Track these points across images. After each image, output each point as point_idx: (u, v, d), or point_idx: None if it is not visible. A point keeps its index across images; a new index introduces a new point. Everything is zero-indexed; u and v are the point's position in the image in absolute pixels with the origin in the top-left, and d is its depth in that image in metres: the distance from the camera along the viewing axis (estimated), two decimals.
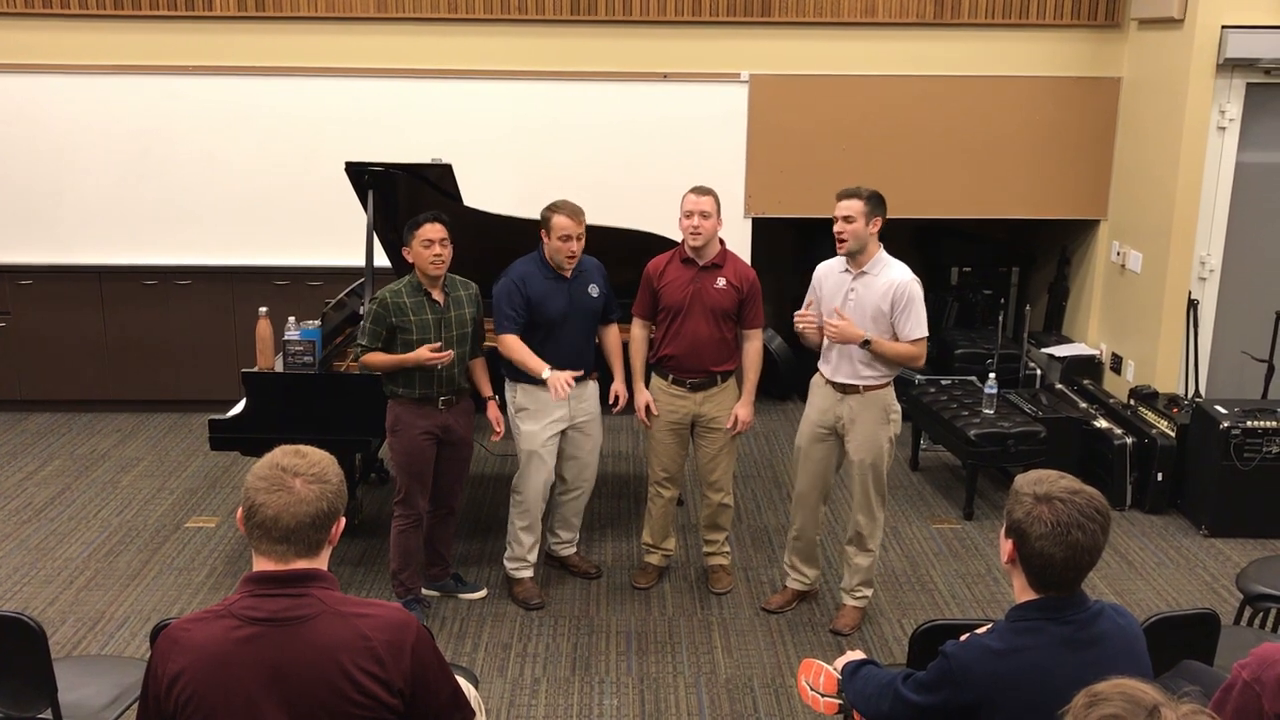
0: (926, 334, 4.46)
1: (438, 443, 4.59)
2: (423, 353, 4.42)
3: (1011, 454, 5.86)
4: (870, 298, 4.43)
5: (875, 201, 4.39)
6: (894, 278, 4.42)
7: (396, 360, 4.45)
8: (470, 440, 4.79)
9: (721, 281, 4.72)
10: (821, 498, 4.76)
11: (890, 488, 6.27)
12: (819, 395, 4.65)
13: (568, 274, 4.72)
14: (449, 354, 4.47)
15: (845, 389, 4.52)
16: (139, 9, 6.80)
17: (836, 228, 4.41)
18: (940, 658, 2.34)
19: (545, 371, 4.57)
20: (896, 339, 4.44)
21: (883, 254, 4.49)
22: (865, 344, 4.39)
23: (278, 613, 2.00)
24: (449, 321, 4.54)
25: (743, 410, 4.80)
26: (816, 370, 4.68)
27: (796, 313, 4.57)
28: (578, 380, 4.78)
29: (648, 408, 4.84)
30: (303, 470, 2.04)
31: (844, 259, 4.50)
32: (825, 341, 4.54)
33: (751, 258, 6.81)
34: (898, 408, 4.60)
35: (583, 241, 4.67)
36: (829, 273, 4.59)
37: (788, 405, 7.63)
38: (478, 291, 4.70)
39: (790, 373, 7.52)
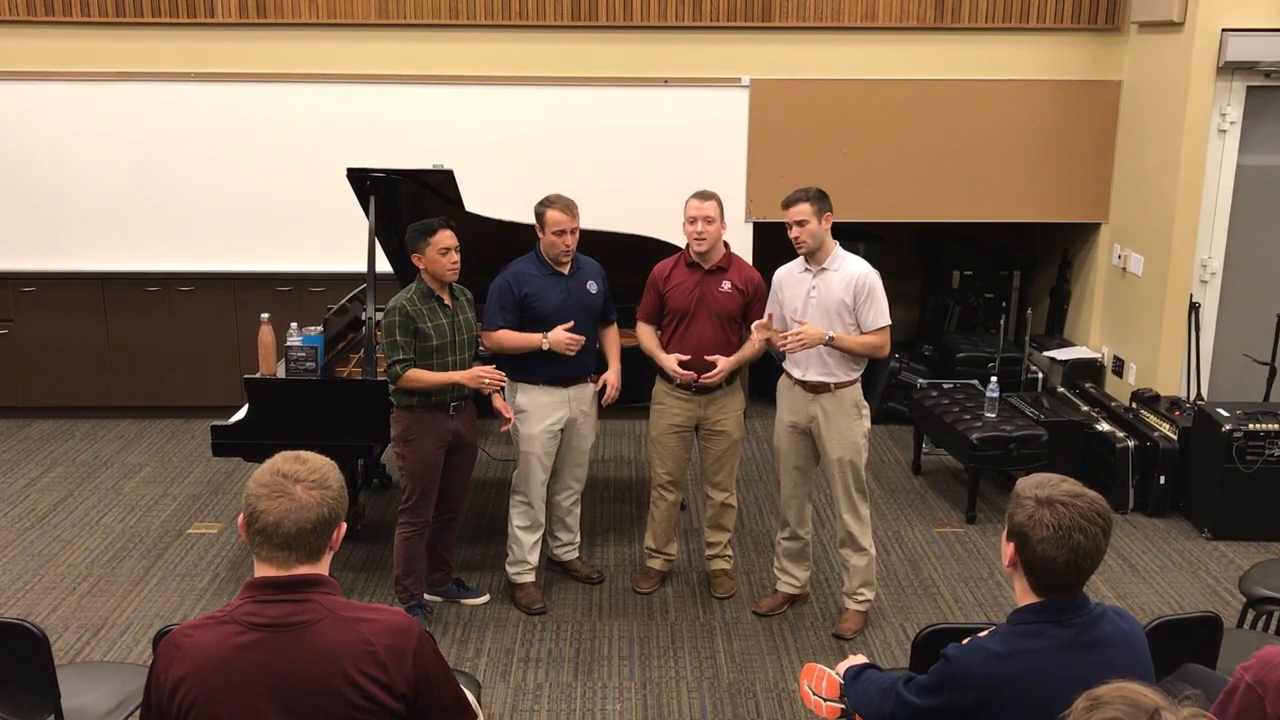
0: (889, 322, 4.53)
1: (448, 448, 4.60)
2: (476, 373, 4.45)
3: (1013, 457, 5.85)
4: (832, 293, 4.49)
5: (821, 199, 4.48)
6: (853, 271, 4.50)
7: (442, 380, 4.44)
8: (476, 444, 4.80)
9: (727, 285, 4.73)
10: (807, 495, 4.81)
11: (892, 491, 6.32)
12: (789, 396, 4.70)
13: (566, 269, 4.74)
14: (501, 375, 4.52)
15: (816, 388, 4.57)
16: (141, 16, 6.81)
17: (792, 234, 4.49)
18: (941, 661, 2.34)
19: (544, 342, 4.62)
20: (860, 331, 4.51)
21: (839, 249, 4.56)
22: (829, 341, 4.45)
23: (279, 618, 2.00)
24: (459, 325, 4.56)
25: (731, 360, 4.70)
26: (783, 373, 4.71)
27: (757, 323, 4.58)
28: (578, 382, 4.82)
29: (683, 364, 4.73)
30: (303, 476, 2.04)
31: (802, 259, 4.59)
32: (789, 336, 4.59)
33: (753, 262, 6.80)
34: (866, 403, 4.66)
35: (577, 236, 4.71)
36: (788, 275, 4.65)
37: None
38: (473, 296, 4.73)
39: None
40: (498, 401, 4.79)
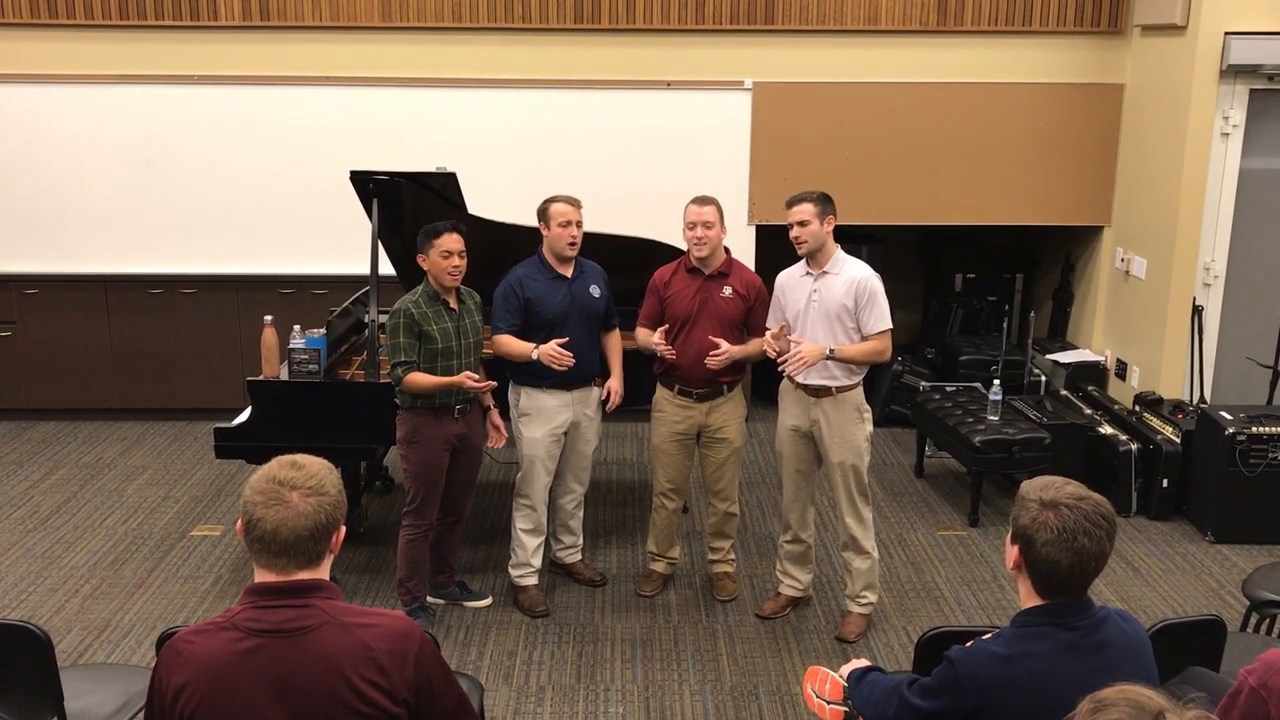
0: (890, 326, 4.53)
1: (452, 451, 4.60)
2: (464, 379, 4.43)
3: (1016, 460, 5.85)
4: (833, 296, 4.50)
5: (825, 202, 4.49)
6: (854, 274, 4.51)
7: (440, 383, 4.43)
8: (480, 447, 4.80)
9: (728, 290, 4.73)
10: (809, 498, 4.81)
11: (895, 494, 6.31)
12: (791, 400, 4.70)
13: (569, 272, 4.74)
14: (491, 384, 4.52)
15: (818, 392, 4.57)
16: (144, 19, 6.82)
17: (793, 233, 4.51)
18: (945, 663, 2.34)
19: (534, 352, 4.60)
20: (861, 333, 4.51)
21: (841, 253, 4.57)
22: (830, 355, 4.45)
23: (280, 624, 2.00)
24: (465, 329, 4.55)
25: (737, 349, 4.67)
26: (784, 376, 4.70)
27: (771, 331, 4.56)
28: (582, 386, 4.81)
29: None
30: (300, 483, 2.02)
31: (804, 263, 4.59)
32: (791, 347, 4.57)
33: (756, 266, 6.80)
34: (868, 406, 4.66)
35: (581, 229, 4.71)
36: (790, 279, 4.66)
37: None
38: (480, 299, 4.72)
39: None
40: (493, 417, 4.81)
